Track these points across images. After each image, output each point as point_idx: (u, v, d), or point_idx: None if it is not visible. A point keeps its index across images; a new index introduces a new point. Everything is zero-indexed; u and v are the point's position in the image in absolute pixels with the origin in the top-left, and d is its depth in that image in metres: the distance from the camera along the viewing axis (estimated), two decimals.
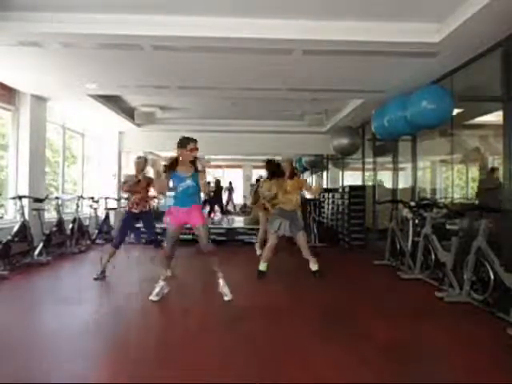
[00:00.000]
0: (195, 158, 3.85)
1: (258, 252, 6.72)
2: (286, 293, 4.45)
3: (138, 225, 5.48)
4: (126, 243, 8.26)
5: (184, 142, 3.84)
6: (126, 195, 5.12)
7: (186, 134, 3.97)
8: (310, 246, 7.18)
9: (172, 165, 3.85)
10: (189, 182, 3.83)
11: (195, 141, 3.87)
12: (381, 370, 2.49)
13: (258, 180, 11.41)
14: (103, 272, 4.85)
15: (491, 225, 3.81)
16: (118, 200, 9.50)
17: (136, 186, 4.96)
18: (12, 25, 3.90)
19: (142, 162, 5.11)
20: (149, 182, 5.00)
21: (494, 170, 5.02)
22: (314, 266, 4.98)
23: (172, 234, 3.92)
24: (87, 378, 2.36)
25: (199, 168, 3.82)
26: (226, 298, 3.86)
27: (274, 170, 5.20)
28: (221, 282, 3.94)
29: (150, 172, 5.00)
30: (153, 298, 3.86)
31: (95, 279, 4.75)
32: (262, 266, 4.99)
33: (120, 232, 5.00)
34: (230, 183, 17.73)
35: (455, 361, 2.68)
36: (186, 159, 3.84)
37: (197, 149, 3.85)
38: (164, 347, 2.82)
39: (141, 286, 4.83)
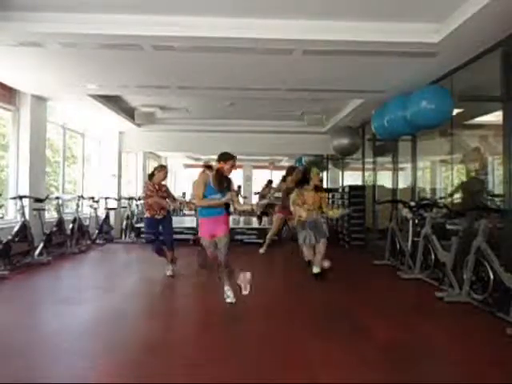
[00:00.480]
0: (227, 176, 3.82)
1: (262, 251, 6.81)
2: (286, 292, 4.46)
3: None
4: (125, 243, 8.30)
5: (226, 157, 3.80)
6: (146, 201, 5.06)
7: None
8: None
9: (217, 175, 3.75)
10: (219, 196, 3.73)
11: (235, 158, 3.84)
12: (381, 369, 2.49)
13: (269, 183, 11.40)
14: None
15: (490, 225, 3.81)
16: (119, 200, 9.52)
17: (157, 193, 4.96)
18: (12, 25, 3.90)
19: (164, 172, 5.10)
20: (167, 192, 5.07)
21: (477, 170, 5.06)
22: (316, 269, 4.98)
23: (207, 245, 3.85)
24: (87, 377, 2.36)
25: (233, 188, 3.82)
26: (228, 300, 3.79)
27: (301, 178, 5.29)
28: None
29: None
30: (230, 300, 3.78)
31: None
32: (316, 269, 5.00)
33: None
34: (239, 187, 17.64)
35: (455, 360, 2.68)
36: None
37: (234, 166, 3.82)
38: (164, 347, 2.83)
39: (141, 286, 4.84)
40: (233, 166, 3.80)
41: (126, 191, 10.66)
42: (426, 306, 3.95)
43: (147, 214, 4.99)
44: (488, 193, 4.81)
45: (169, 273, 5.01)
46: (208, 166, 3.86)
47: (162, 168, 5.16)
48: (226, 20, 3.93)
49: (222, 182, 3.74)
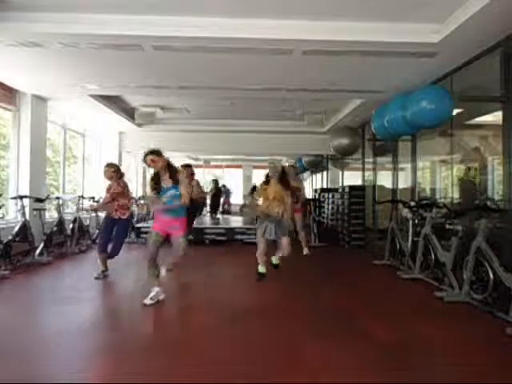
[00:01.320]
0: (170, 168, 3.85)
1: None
2: (286, 292, 4.46)
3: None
4: (125, 243, 8.29)
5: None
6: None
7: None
8: (309, 245, 7.22)
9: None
10: (172, 191, 3.81)
11: (149, 154, 3.80)
12: (380, 369, 2.49)
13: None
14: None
15: (490, 225, 3.82)
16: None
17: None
18: (12, 25, 3.91)
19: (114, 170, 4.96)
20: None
21: (470, 169, 5.07)
22: (275, 259, 5.16)
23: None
24: (87, 377, 2.37)
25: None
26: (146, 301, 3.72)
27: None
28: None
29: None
30: (147, 301, 3.71)
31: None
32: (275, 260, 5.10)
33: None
34: (224, 186, 17.59)
35: (454, 360, 2.68)
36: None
37: (152, 160, 3.78)
38: (163, 347, 2.83)
39: (140, 285, 4.85)
40: (150, 161, 3.77)
41: None
42: (426, 306, 3.95)
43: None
44: (483, 195, 4.83)
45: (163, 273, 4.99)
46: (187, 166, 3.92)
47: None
48: (226, 20, 3.93)
49: (158, 180, 3.81)
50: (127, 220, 4.97)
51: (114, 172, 4.93)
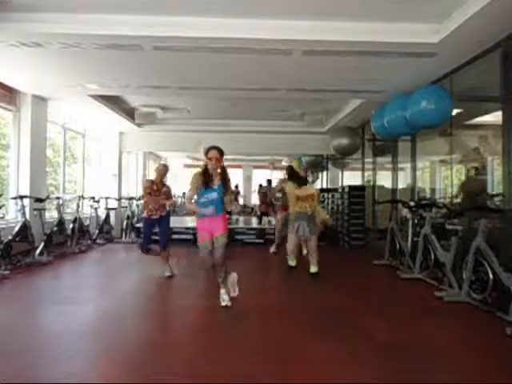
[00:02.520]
0: (221, 168, 3.67)
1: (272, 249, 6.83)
2: (286, 292, 4.47)
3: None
4: (126, 243, 8.31)
5: (207, 151, 3.63)
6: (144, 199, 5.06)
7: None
8: None
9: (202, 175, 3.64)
10: (214, 194, 3.63)
11: (215, 148, 3.64)
12: (380, 369, 2.50)
13: (268, 183, 11.41)
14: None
15: (490, 225, 3.82)
16: (119, 200, 9.53)
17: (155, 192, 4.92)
18: (13, 25, 3.92)
19: (163, 170, 5.07)
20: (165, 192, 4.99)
21: (475, 170, 5.06)
22: (313, 268, 5.02)
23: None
24: (87, 378, 2.37)
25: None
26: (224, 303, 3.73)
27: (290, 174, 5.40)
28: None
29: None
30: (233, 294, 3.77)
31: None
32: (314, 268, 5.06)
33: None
34: (237, 187, 17.64)
35: (454, 360, 2.69)
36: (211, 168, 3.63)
37: (216, 158, 3.59)
38: (163, 346, 2.84)
39: (141, 286, 4.85)
40: (214, 158, 3.57)
41: (126, 191, 10.68)
42: (426, 306, 3.96)
43: (144, 214, 4.99)
44: (488, 193, 4.83)
45: (167, 273, 5.01)
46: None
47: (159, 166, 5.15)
48: (226, 20, 3.94)
49: (208, 178, 3.60)
50: (168, 215, 5.07)
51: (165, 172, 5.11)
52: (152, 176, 5.11)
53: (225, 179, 3.69)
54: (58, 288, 4.66)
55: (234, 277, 3.89)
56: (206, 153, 3.62)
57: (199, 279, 5.00)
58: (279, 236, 6.88)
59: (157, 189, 4.91)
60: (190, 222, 8.83)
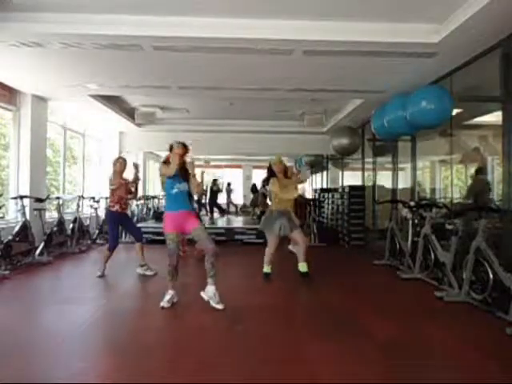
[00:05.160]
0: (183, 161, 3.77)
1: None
2: (286, 292, 4.46)
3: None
4: (126, 243, 8.30)
5: (172, 146, 3.80)
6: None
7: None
8: (309, 245, 7.21)
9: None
10: (182, 185, 3.79)
11: (181, 144, 3.79)
12: (380, 369, 2.50)
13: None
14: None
15: (490, 225, 3.82)
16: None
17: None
18: (13, 25, 3.92)
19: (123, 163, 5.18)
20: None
21: (479, 170, 5.04)
22: (302, 267, 4.91)
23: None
24: (87, 378, 2.37)
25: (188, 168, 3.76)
26: (218, 306, 3.64)
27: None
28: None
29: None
30: (164, 304, 3.70)
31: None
32: (303, 268, 4.94)
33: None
34: (229, 184, 17.71)
35: (454, 360, 2.69)
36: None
37: (181, 155, 3.74)
38: (163, 347, 2.84)
39: (141, 285, 4.85)
40: (177, 155, 3.71)
41: None
42: (426, 306, 3.96)
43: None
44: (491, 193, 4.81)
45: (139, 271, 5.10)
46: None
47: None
48: (225, 20, 3.94)
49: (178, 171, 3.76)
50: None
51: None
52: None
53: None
54: (58, 288, 4.66)
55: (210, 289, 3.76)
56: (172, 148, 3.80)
57: (199, 278, 5.00)
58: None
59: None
60: None
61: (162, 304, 3.68)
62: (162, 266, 5.24)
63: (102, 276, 4.97)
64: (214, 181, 14.50)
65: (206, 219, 11.32)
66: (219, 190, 14.58)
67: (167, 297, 3.74)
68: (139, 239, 5.23)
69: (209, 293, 3.72)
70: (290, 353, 2.73)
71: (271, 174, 5.01)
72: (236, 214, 16.02)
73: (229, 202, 17.29)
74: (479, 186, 4.98)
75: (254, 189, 14.47)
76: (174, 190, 3.77)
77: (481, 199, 4.83)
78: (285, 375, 2.39)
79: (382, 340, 2.97)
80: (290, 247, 6.75)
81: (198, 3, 3.71)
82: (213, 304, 3.66)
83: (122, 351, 2.76)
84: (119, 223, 5.12)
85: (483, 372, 2.51)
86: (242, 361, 2.58)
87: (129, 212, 5.44)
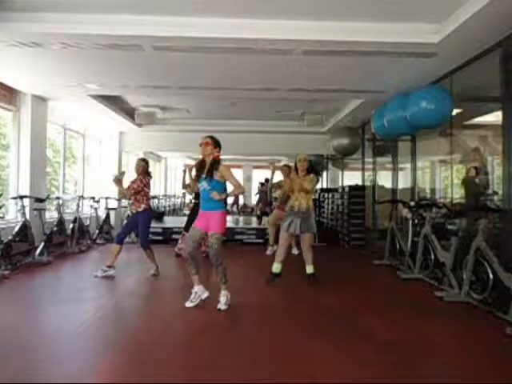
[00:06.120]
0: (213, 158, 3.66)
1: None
2: (286, 292, 4.47)
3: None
4: (126, 243, 8.30)
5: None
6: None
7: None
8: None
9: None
10: (204, 183, 3.64)
11: (206, 137, 3.70)
12: (380, 369, 2.50)
13: (266, 181, 11.49)
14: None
15: (490, 225, 3.82)
16: (119, 200, 9.52)
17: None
18: (13, 25, 3.91)
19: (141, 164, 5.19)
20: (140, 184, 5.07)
21: (475, 170, 5.04)
22: (309, 269, 4.86)
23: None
24: (87, 378, 2.37)
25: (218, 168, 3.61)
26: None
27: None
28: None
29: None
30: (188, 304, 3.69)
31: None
32: (309, 269, 4.83)
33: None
34: None
35: (454, 360, 2.69)
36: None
37: (205, 143, 3.65)
38: (163, 347, 2.83)
39: (141, 285, 4.85)
40: (202, 144, 3.65)
41: None
42: (426, 306, 3.96)
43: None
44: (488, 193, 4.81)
45: (151, 272, 5.06)
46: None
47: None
48: (225, 20, 3.94)
49: (200, 168, 3.70)
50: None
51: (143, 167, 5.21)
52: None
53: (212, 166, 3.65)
54: (58, 288, 4.66)
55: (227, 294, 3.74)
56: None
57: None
58: (272, 232, 6.79)
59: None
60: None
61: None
62: (162, 266, 5.25)
63: (157, 275, 5.02)
64: None
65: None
66: None
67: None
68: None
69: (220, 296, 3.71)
70: (289, 352, 2.73)
71: (296, 170, 4.92)
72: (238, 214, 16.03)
73: (235, 202, 17.21)
74: (476, 186, 4.98)
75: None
76: (201, 188, 3.70)
77: (479, 199, 4.83)
78: (285, 375, 2.39)
79: (382, 340, 2.97)
80: (294, 251, 6.75)
81: (197, 3, 3.71)
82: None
83: (121, 351, 2.76)
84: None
85: (483, 372, 2.51)
86: (241, 361, 2.58)
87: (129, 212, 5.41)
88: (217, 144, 3.72)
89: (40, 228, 6.02)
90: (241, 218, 11.65)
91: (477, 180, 4.90)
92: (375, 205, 8.09)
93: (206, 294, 3.75)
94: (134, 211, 5.16)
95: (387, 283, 4.97)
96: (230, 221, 11.07)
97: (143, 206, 5.01)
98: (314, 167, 5.03)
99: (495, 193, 4.57)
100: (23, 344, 2.79)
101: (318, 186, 12.74)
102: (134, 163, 5.34)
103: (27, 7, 3.76)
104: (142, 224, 5.02)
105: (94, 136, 9.63)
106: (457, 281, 4.12)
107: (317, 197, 10.59)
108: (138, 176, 5.13)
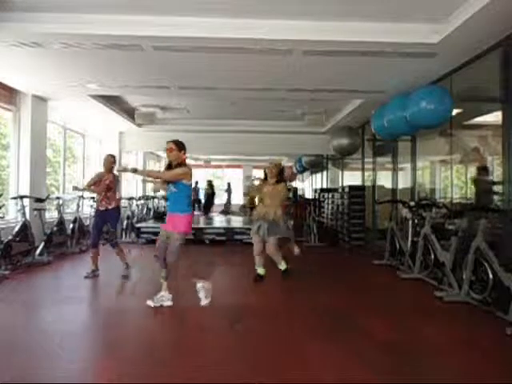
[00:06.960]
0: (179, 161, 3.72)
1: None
2: (285, 292, 4.47)
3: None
4: (126, 243, 8.29)
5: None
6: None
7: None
8: (309, 245, 7.20)
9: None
10: (171, 186, 3.74)
11: (168, 142, 3.77)
12: (380, 369, 2.50)
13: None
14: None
15: (490, 225, 3.82)
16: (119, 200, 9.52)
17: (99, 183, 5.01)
18: (12, 25, 3.91)
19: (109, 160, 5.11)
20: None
21: (483, 169, 5.02)
22: (281, 267, 4.92)
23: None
24: (87, 378, 2.37)
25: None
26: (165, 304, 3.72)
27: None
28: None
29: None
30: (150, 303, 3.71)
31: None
32: (260, 270, 4.89)
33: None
34: (229, 185, 17.73)
35: (454, 360, 2.69)
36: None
37: (169, 149, 3.72)
38: (163, 347, 2.84)
39: (141, 286, 4.85)
40: (166, 150, 3.75)
41: (126, 191, 10.67)
42: (426, 306, 3.96)
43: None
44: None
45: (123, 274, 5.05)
46: None
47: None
48: (225, 20, 3.94)
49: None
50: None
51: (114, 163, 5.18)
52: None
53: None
54: (58, 288, 4.66)
55: (207, 285, 3.80)
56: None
57: (194, 279, 5.00)
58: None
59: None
60: None
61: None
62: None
63: (128, 276, 5.01)
64: (209, 183, 14.70)
65: (202, 219, 11.41)
66: (213, 193, 14.79)
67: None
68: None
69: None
70: (289, 352, 2.73)
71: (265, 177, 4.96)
72: (232, 213, 16.08)
73: (228, 202, 17.33)
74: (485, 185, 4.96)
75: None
76: (167, 191, 3.81)
77: (482, 199, 4.82)
78: (285, 375, 2.40)
79: (382, 340, 2.97)
80: (296, 251, 6.70)
81: (197, 3, 3.71)
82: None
83: (121, 351, 2.76)
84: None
85: (483, 372, 2.51)
86: (241, 360, 2.58)
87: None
88: (181, 147, 3.78)
89: (40, 228, 6.02)
90: (241, 218, 11.64)
91: (488, 178, 4.87)
92: (375, 205, 8.09)
93: (169, 303, 3.77)
94: (102, 208, 5.02)
95: (387, 283, 4.97)
96: (230, 221, 11.08)
97: (114, 202, 5.02)
98: (283, 176, 5.00)
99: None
100: (23, 344, 2.79)
101: (318, 186, 12.77)
102: (103, 159, 5.24)
103: (27, 7, 3.76)
104: (113, 221, 5.06)
105: (94, 136, 9.63)
106: (457, 281, 4.12)
107: (317, 197, 10.61)
108: (109, 173, 5.06)
